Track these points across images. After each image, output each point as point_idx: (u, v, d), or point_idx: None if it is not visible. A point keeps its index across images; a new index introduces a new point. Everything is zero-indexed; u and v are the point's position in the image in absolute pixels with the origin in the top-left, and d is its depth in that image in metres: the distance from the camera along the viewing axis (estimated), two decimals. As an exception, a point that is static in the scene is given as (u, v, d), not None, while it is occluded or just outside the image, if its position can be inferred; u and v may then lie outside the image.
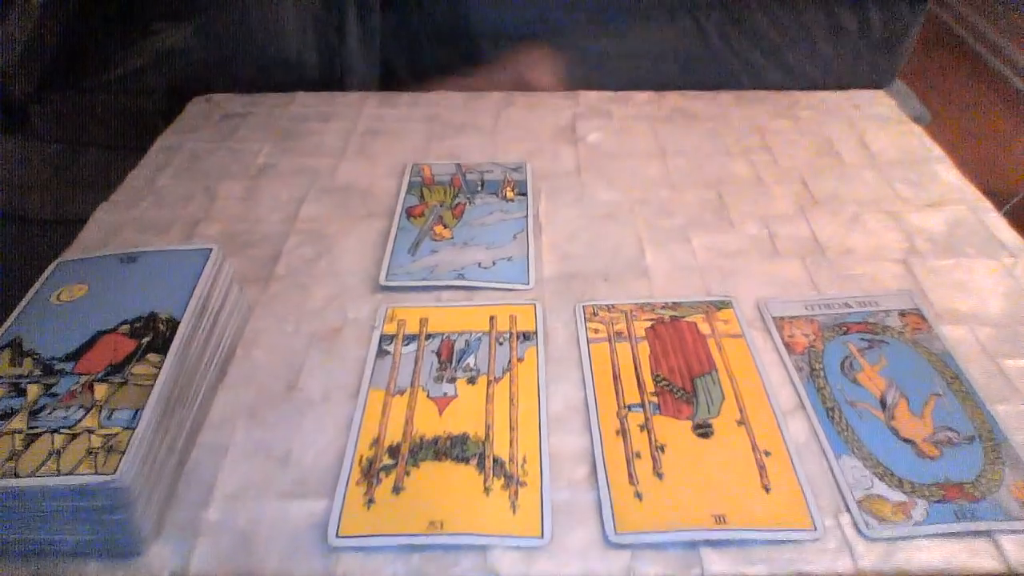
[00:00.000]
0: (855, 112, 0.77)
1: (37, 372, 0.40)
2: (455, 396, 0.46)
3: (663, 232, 0.60)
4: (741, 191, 0.65)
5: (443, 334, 0.50)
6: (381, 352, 0.49)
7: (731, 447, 0.43)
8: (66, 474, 0.35)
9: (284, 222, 0.61)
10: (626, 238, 0.59)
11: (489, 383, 0.46)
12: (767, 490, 0.40)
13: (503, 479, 0.41)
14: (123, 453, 0.35)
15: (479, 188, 0.65)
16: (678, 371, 0.47)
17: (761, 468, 0.41)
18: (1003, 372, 0.47)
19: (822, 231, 0.60)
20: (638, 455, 0.42)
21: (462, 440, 0.43)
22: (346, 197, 0.64)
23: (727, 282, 0.55)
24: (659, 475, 0.41)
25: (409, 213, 0.62)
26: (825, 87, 0.82)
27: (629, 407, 0.45)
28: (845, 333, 0.50)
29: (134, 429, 0.37)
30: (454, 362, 0.48)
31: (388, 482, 0.41)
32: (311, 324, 0.51)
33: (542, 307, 0.52)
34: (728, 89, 0.81)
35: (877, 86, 0.83)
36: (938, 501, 0.40)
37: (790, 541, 0.38)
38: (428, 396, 0.46)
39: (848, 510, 0.39)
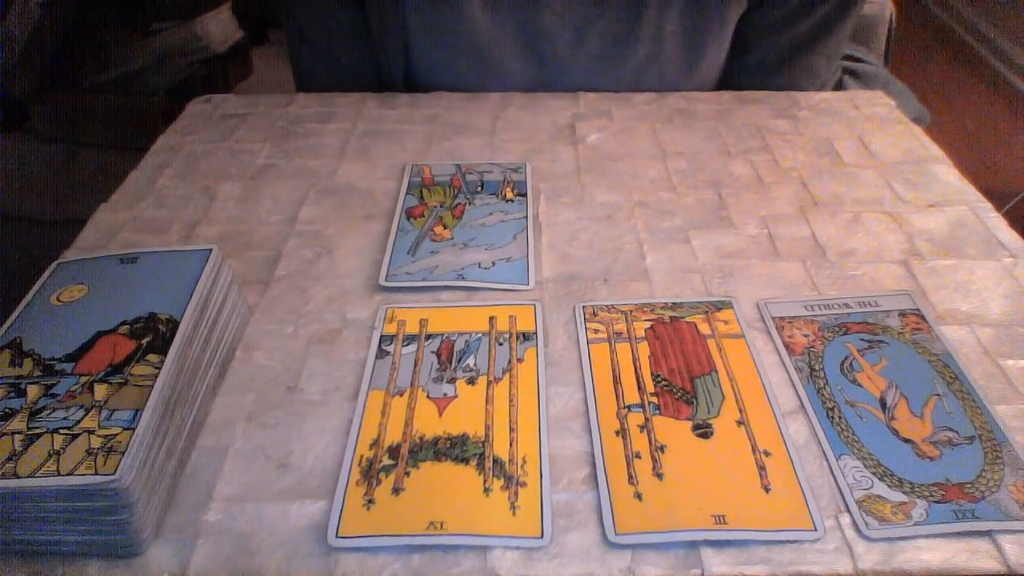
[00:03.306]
0: (855, 112, 0.77)
1: (37, 372, 0.40)
2: (455, 396, 0.46)
3: (663, 232, 0.60)
4: (741, 191, 0.65)
5: (443, 334, 0.50)
6: (381, 353, 0.49)
7: (731, 447, 0.43)
8: (66, 475, 0.35)
9: (283, 223, 0.61)
10: (626, 239, 0.59)
11: (489, 383, 0.46)
12: (767, 490, 0.40)
13: (503, 479, 0.41)
14: (123, 453, 0.35)
15: (479, 189, 0.65)
16: (678, 371, 0.47)
17: (761, 469, 0.41)
18: (1003, 372, 0.47)
19: (822, 231, 0.60)
20: (638, 455, 0.42)
21: (462, 441, 0.43)
22: (346, 198, 0.64)
23: (727, 282, 0.55)
24: (659, 475, 0.41)
25: (409, 214, 0.62)
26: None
27: (629, 407, 0.45)
28: (845, 334, 0.50)
29: (134, 429, 0.37)
30: (454, 362, 0.48)
31: (388, 483, 0.41)
32: (311, 325, 0.51)
33: (542, 308, 0.52)
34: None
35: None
36: (938, 501, 0.40)
37: (790, 541, 0.38)
38: (428, 396, 0.46)
39: (848, 510, 0.39)
